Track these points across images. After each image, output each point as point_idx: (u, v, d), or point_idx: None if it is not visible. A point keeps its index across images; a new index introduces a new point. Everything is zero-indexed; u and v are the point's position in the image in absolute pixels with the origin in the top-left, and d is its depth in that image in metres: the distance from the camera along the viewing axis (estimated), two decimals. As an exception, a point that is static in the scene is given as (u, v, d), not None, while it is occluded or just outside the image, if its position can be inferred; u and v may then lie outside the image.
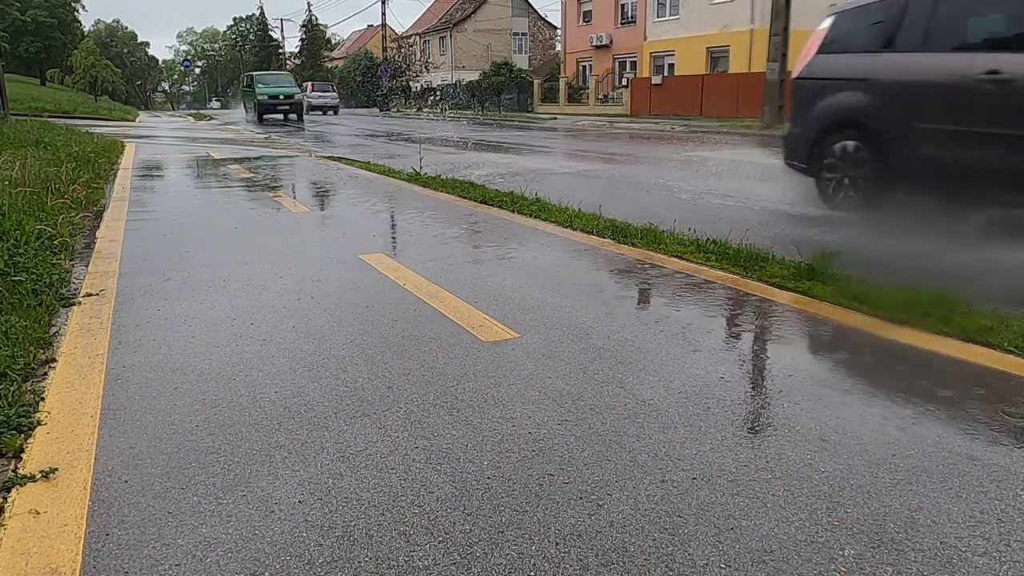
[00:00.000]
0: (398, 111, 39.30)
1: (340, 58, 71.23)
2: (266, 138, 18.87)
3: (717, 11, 30.06)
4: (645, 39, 33.73)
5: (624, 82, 30.24)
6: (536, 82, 36.41)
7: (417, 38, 56.80)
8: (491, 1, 53.13)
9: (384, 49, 42.12)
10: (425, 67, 53.21)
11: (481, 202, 6.66)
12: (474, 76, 45.20)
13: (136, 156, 12.42)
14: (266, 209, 6.71)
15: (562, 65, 40.13)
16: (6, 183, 5.42)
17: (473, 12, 52.94)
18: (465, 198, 6.96)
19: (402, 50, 52.27)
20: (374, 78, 47.29)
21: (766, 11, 28.10)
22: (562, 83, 35.00)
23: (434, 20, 57.17)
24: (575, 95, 34.46)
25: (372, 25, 79.73)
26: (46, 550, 1.65)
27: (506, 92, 36.85)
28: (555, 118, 29.56)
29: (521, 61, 48.70)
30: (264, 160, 12.13)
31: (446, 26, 53.97)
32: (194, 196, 7.88)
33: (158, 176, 9.69)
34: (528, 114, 33.92)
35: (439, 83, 48.73)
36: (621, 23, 35.62)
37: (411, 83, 51.88)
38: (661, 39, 32.92)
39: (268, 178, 9.34)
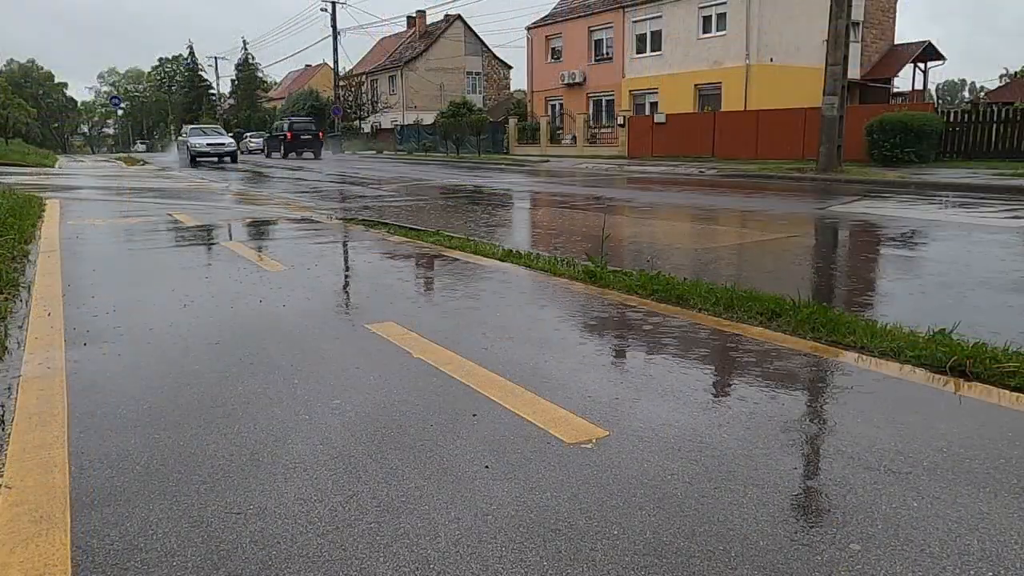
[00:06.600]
0: (353, 153, 37.45)
1: (278, 99, 69.37)
2: (226, 187, 16.87)
3: (705, 47, 29.41)
4: (623, 77, 32.99)
5: (620, 120, 28.92)
6: (512, 122, 35.06)
7: (365, 77, 55.39)
8: (443, 39, 52.40)
9: (336, 86, 40.45)
10: (373, 107, 51.67)
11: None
12: (428, 116, 43.86)
13: (63, 225, 8.60)
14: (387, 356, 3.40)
15: (529, 104, 39.02)
16: None
17: (425, 50, 52.04)
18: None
19: (352, 89, 50.65)
20: (323, 119, 45.43)
21: (762, 47, 27.68)
22: (543, 123, 33.71)
23: (383, 59, 56.00)
24: (552, 135, 33.25)
25: (311, 65, 77.97)
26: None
27: (481, 132, 35.21)
28: (547, 160, 28.12)
29: (475, 101, 47.78)
30: (274, 231, 8.34)
31: (396, 65, 52.85)
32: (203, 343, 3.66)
33: (108, 277, 5.36)
34: (509, 155, 32.32)
35: (391, 124, 47.28)
36: (596, 60, 34.84)
37: (362, 124, 50.29)
38: (641, 76, 32.16)
39: (323, 280, 5.25)
